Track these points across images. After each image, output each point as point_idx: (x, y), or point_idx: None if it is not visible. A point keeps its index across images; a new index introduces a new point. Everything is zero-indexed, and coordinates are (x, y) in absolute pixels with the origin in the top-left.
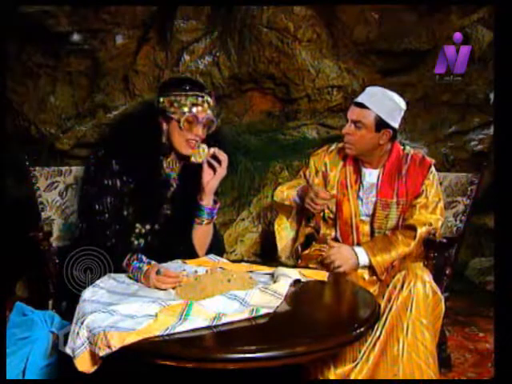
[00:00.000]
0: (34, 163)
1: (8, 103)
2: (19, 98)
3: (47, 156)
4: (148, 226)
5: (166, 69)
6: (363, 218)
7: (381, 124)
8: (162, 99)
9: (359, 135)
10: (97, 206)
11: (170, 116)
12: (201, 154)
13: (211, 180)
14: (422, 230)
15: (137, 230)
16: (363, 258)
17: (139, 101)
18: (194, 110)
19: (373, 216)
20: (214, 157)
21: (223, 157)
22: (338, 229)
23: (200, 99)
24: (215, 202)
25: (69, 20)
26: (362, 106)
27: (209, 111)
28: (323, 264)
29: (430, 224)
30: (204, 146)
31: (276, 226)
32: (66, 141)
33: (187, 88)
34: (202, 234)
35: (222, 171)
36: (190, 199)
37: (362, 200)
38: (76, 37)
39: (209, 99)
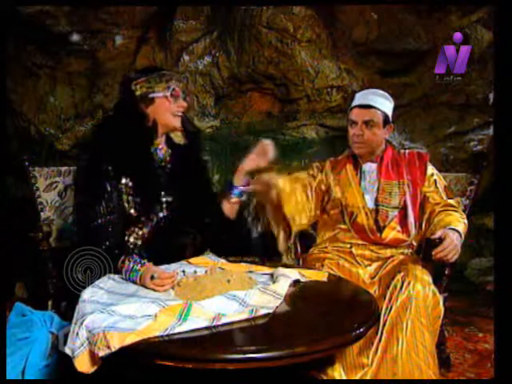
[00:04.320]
0: (33, 163)
1: (8, 103)
2: (19, 98)
3: (47, 156)
4: (150, 215)
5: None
6: (369, 206)
7: (386, 120)
8: (137, 86)
9: (372, 133)
10: (91, 213)
11: (152, 97)
12: (179, 135)
13: (246, 162)
14: (454, 201)
15: (139, 224)
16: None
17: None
18: (172, 83)
19: (377, 194)
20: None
21: (269, 149)
22: (349, 223)
23: (174, 75)
24: (247, 182)
25: (68, 20)
26: (368, 107)
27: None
28: (440, 260)
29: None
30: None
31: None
32: (65, 141)
33: (156, 69)
34: (229, 211)
35: (261, 159)
36: (186, 183)
37: (365, 190)
38: (75, 37)
39: (176, 75)
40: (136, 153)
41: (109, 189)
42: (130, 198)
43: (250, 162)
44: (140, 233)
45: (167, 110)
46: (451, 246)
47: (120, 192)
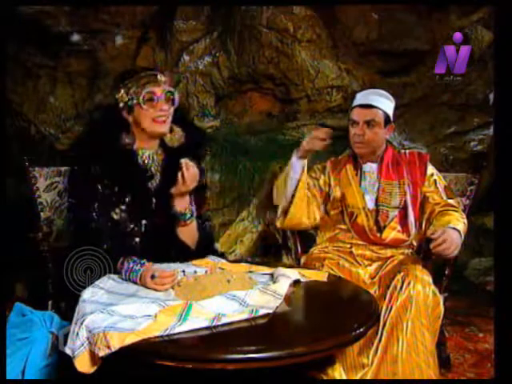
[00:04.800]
0: (33, 163)
1: (8, 103)
2: (19, 99)
3: (47, 156)
4: (140, 222)
5: (165, 69)
6: (370, 207)
7: (387, 120)
8: (118, 95)
9: (373, 133)
10: (84, 216)
11: (131, 105)
12: (175, 137)
13: (173, 188)
14: (454, 201)
15: (128, 229)
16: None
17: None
18: (149, 87)
19: (377, 194)
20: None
21: (186, 173)
22: (349, 223)
23: (152, 77)
24: (191, 202)
25: (68, 20)
26: (369, 106)
27: (164, 86)
28: (437, 254)
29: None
30: (178, 129)
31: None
32: (65, 141)
33: (136, 72)
34: (187, 232)
35: (180, 184)
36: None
37: (366, 190)
38: (76, 37)
39: (160, 76)
40: (120, 161)
41: (101, 191)
42: (117, 204)
43: (179, 187)
44: (133, 243)
45: (146, 116)
46: (449, 239)
47: (109, 197)
